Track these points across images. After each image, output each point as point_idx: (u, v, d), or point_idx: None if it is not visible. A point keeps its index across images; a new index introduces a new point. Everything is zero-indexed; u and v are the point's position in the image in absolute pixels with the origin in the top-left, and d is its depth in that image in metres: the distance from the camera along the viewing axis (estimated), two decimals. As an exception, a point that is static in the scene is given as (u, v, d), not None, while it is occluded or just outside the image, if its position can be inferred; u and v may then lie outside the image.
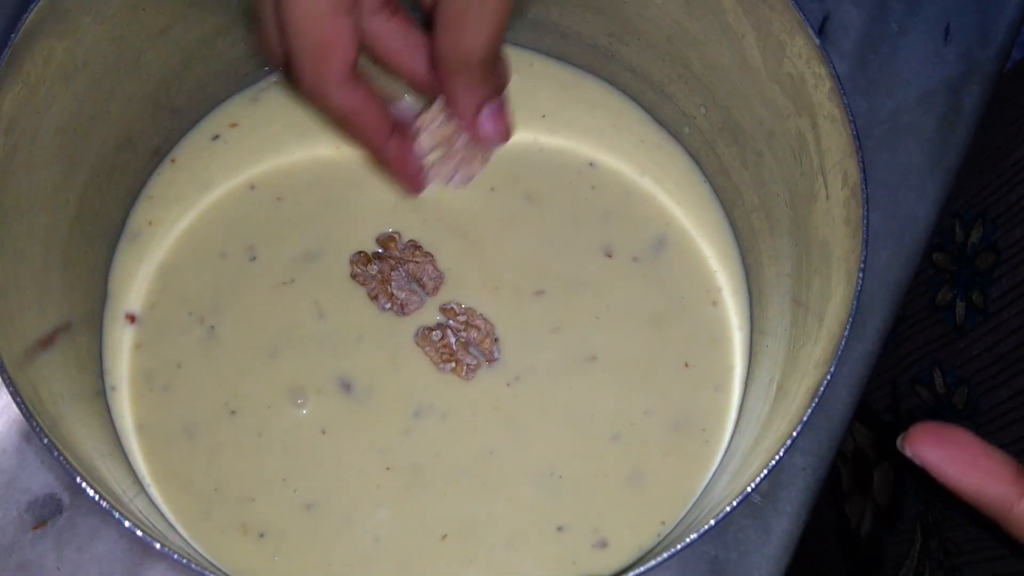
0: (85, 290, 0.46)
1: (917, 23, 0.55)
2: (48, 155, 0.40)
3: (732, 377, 0.48)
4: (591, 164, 0.52)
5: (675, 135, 0.52)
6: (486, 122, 0.40)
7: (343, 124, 0.39)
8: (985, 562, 0.52)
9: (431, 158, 0.44)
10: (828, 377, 0.33)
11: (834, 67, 0.38)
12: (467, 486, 0.45)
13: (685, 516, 0.45)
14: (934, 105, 0.54)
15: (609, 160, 0.52)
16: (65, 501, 0.47)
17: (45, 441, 0.32)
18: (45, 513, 0.47)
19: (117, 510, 0.32)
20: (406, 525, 0.44)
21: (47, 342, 0.41)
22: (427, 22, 0.39)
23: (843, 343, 0.33)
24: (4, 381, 0.34)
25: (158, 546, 0.32)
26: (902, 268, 0.51)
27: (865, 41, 0.55)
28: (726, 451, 0.46)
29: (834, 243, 0.38)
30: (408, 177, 0.43)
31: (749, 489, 0.32)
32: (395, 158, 0.42)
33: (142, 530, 0.33)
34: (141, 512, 0.41)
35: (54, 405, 0.39)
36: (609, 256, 0.50)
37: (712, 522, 0.32)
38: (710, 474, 0.46)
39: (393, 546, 0.44)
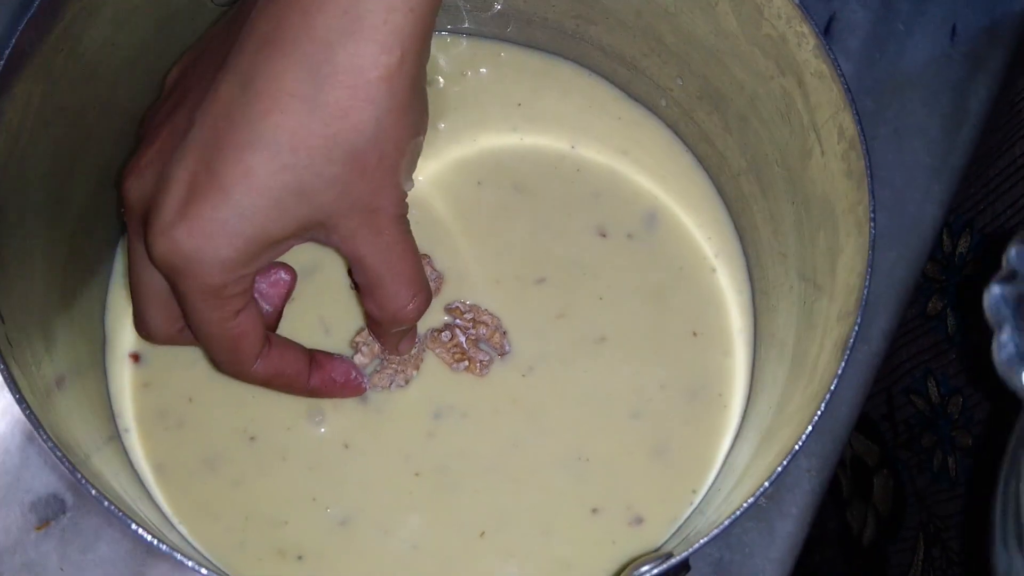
0: (86, 334, 0.45)
1: (923, 23, 0.56)
2: (36, 203, 0.39)
3: (740, 340, 0.48)
4: (573, 147, 0.52)
5: (652, 109, 0.52)
6: (403, 346, 0.45)
7: (265, 386, 0.41)
8: (987, 572, 0.53)
9: (369, 371, 0.46)
10: (856, 328, 0.34)
11: (815, 24, 0.39)
12: (497, 481, 0.45)
13: (715, 482, 0.46)
14: (940, 105, 0.55)
15: (590, 141, 0.52)
16: (68, 501, 0.47)
17: (81, 480, 0.31)
18: (48, 513, 0.46)
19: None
20: (442, 528, 0.44)
21: (55, 388, 0.40)
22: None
23: (866, 291, 0.34)
24: (28, 417, 0.33)
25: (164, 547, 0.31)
26: (908, 269, 0.52)
27: (871, 41, 0.55)
28: (744, 413, 0.47)
29: (836, 197, 0.39)
30: (341, 392, 0.45)
31: (796, 447, 0.32)
32: (322, 389, 0.43)
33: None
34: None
35: (81, 451, 0.38)
36: (603, 236, 0.50)
37: (766, 484, 0.33)
38: (731, 438, 0.47)
39: (432, 550, 0.44)
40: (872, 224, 0.35)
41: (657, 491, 0.46)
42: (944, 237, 0.57)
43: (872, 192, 0.36)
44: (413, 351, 0.46)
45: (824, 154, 0.40)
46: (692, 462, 0.46)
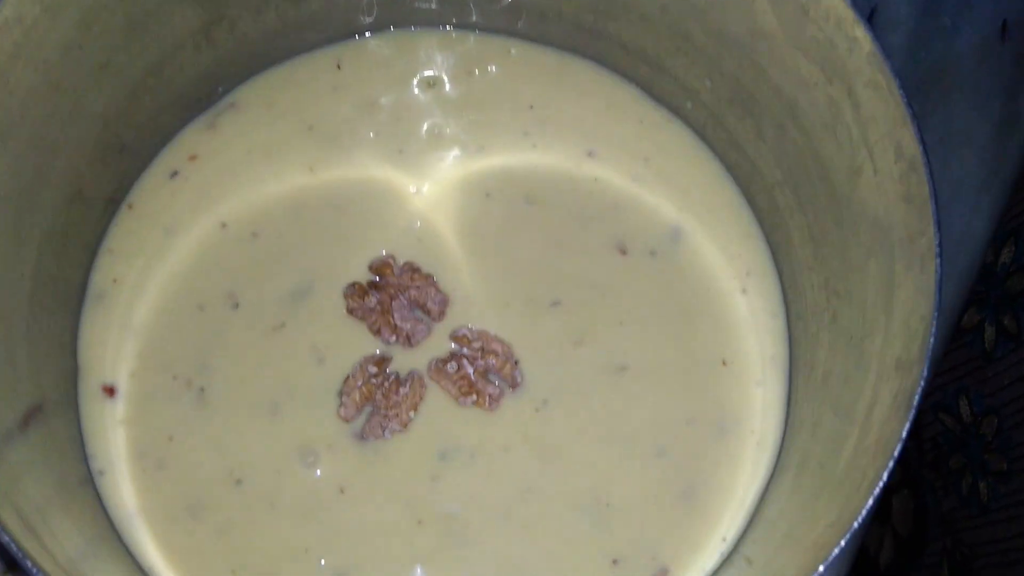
0: (54, 367, 0.41)
1: (972, 18, 0.50)
2: (-7, 229, 0.35)
3: (774, 369, 0.44)
4: (590, 154, 0.47)
5: (677, 112, 0.48)
6: None
7: None
8: None
9: (359, 421, 0.42)
10: (923, 382, 0.30)
11: (871, 29, 0.34)
12: (509, 530, 0.41)
13: (747, 529, 0.42)
14: (990, 109, 0.50)
15: (609, 147, 0.47)
16: None
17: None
18: (14, 560, 0.42)
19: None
20: (449, 581, 0.40)
21: (16, 432, 0.36)
22: None
23: (932, 341, 0.30)
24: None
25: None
26: (954, 289, 0.47)
27: (915, 37, 0.50)
28: (780, 452, 0.43)
29: (891, 223, 0.35)
30: None
31: (856, 524, 0.28)
32: None
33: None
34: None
35: (33, 506, 0.34)
36: (624, 253, 0.46)
37: (821, 568, 0.29)
38: (765, 478, 0.43)
39: (437, 606, 0.40)
40: (938, 260, 0.31)
41: (684, 539, 0.42)
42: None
43: (938, 223, 0.32)
44: (407, 391, 0.42)
45: (877, 173, 0.36)
46: (722, 506, 0.42)
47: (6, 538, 0.26)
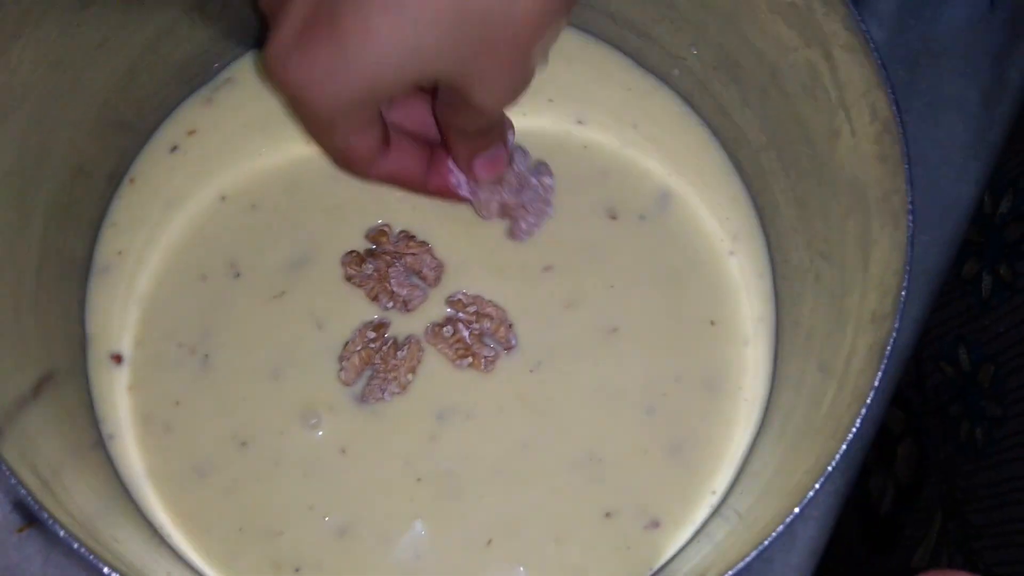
0: (63, 336, 0.42)
1: None
2: (1, 202, 0.36)
3: (761, 329, 0.45)
4: (579, 122, 0.48)
5: (664, 79, 0.49)
6: (479, 169, 0.41)
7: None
8: (1006, 547, 0.51)
9: (359, 385, 0.44)
10: (894, 333, 0.31)
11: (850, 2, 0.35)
12: (504, 485, 0.43)
13: (735, 482, 0.43)
14: (978, 76, 0.50)
15: (597, 115, 0.48)
16: None
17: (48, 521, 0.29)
18: (32, 514, 0.44)
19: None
20: (447, 536, 0.42)
21: (29, 398, 0.38)
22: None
23: (903, 295, 0.31)
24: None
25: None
26: (942, 253, 0.48)
27: (905, 5, 0.51)
28: (766, 407, 0.44)
29: (868, 182, 0.36)
30: (454, 197, 0.43)
31: (829, 468, 0.30)
32: (437, 193, 0.43)
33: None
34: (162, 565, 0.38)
35: (48, 467, 0.35)
36: (614, 218, 0.47)
37: (797, 510, 0.30)
38: (752, 434, 0.44)
39: (436, 560, 0.42)
40: (910, 217, 0.32)
41: (674, 492, 0.43)
42: (984, 196, 0.54)
43: (910, 181, 0.33)
44: (405, 355, 0.43)
45: (855, 134, 0.37)
46: (711, 461, 0.44)
47: (23, 491, 0.28)
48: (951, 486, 0.57)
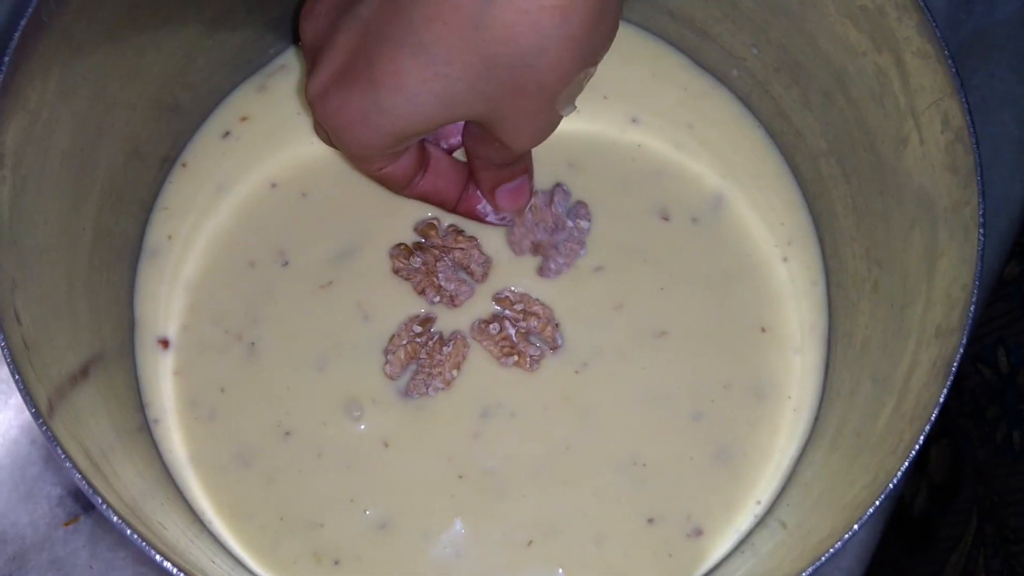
0: (112, 319, 0.42)
1: None
2: (58, 183, 0.36)
3: (813, 338, 0.44)
4: (633, 120, 0.48)
5: (722, 80, 0.48)
6: (501, 199, 0.42)
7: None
8: None
9: (404, 379, 0.44)
10: (961, 349, 0.30)
11: (922, -3, 0.34)
12: (547, 486, 0.42)
13: (781, 492, 0.42)
14: None
15: (652, 114, 0.48)
16: None
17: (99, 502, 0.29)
18: (77, 509, 0.44)
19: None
20: (487, 534, 0.42)
21: (79, 377, 0.38)
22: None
23: (972, 309, 0.30)
24: (41, 429, 0.30)
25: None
26: (993, 253, 0.47)
27: (956, 0, 0.50)
28: (815, 418, 0.43)
29: (936, 192, 0.35)
30: (482, 220, 0.44)
31: (891, 485, 0.29)
32: (466, 215, 0.43)
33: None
34: (205, 551, 0.38)
35: (98, 449, 0.35)
36: (666, 219, 0.46)
37: (855, 527, 0.29)
38: (801, 444, 0.43)
39: (476, 558, 0.41)
40: (981, 231, 0.31)
41: (718, 500, 0.42)
42: None
43: (983, 192, 0.32)
44: (450, 350, 0.43)
45: (923, 143, 0.36)
46: (757, 469, 0.43)
47: (78, 476, 0.28)
48: (987, 488, 0.56)
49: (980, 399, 0.57)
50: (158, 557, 0.28)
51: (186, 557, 0.31)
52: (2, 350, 0.29)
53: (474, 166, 0.41)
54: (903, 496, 0.64)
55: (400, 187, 0.40)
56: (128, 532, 0.27)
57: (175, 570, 0.28)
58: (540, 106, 0.33)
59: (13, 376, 0.29)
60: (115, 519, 0.27)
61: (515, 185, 0.42)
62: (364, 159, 0.37)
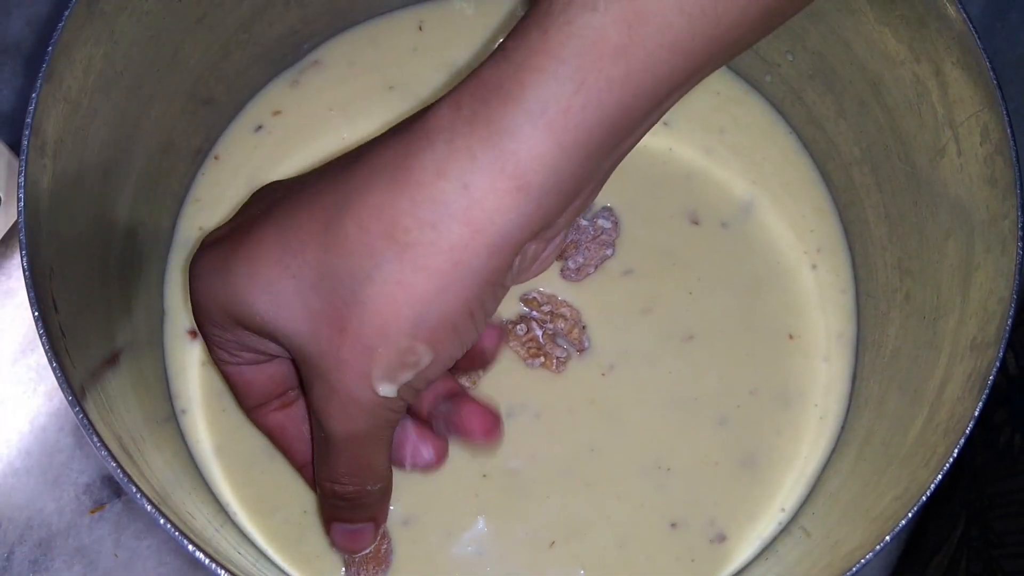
0: (143, 309, 0.42)
1: None
2: (95, 172, 0.37)
3: (841, 346, 0.44)
4: (665, 124, 0.47)
5: (755, 85, 0.48)
6: (335, 534, 0.37)
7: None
8: None
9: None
10: (998, 363, 0.30)
11: (964, 8, 0.34)
12: (570, 487, 0.42)
13: (807, 500, 0.42)
14: None
15: (684, 118, 0.47)
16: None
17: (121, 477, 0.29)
18: (103, 497, 0.45)
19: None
20: (510, 534, 0.42)
21: (111, 364, 0.38)
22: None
23: (1009, 323, 0.30)
24: (76, 415, 0.31)
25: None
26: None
27: (990, 10, 0.49)
28: (843, 427, 0.43)
29: (973, 205, 0.35)
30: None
31: (924, 498, 0.29)
32: (312, 483, 0.36)
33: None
34: (230, 542, 0.38)
35: (129, 436, 0.36)
36: (695, 223, 0.46)
37: (887, 538, 0.29)
38: (827, 453, 0.43)
39: (498, 557, 0.41)
40: (1021, 243, 0.31)
41: (742, 506, 0.42)
42: None
43: (1022, 206, 0.32)
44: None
45: (961, 154, 0.36)
46: (782, 476, 0.43)
47: (111, 462, 0.28)
48: (979, 492, 0.56)
49: (988, 405, 0.56)
50: (190, 547, 0.28)
51: (213, 547, 0.32)
52: (40, 336, 0.29)
53: (314, 468, 0.35)
54: None
55: (245, 402, 0.35)
56: (161, 520, 0.27)
57: (206, 560, 0.28)
58: (355, 356, 0.28)
59: (50, 362, 0.29)
60: (148, 507, 0.27)
61: (354, 529, 0.36)
62: (202, 328, 0.32)
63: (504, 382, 0.43)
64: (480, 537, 0.42)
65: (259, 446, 0.43)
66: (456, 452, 0.42)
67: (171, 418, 0.43)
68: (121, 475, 0.27)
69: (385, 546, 0.40)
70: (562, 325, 0.44)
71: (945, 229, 0.37)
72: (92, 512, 0.44)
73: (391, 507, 0.42)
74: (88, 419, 0.29)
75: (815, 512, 0.40)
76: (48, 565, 0.44)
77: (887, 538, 0.29)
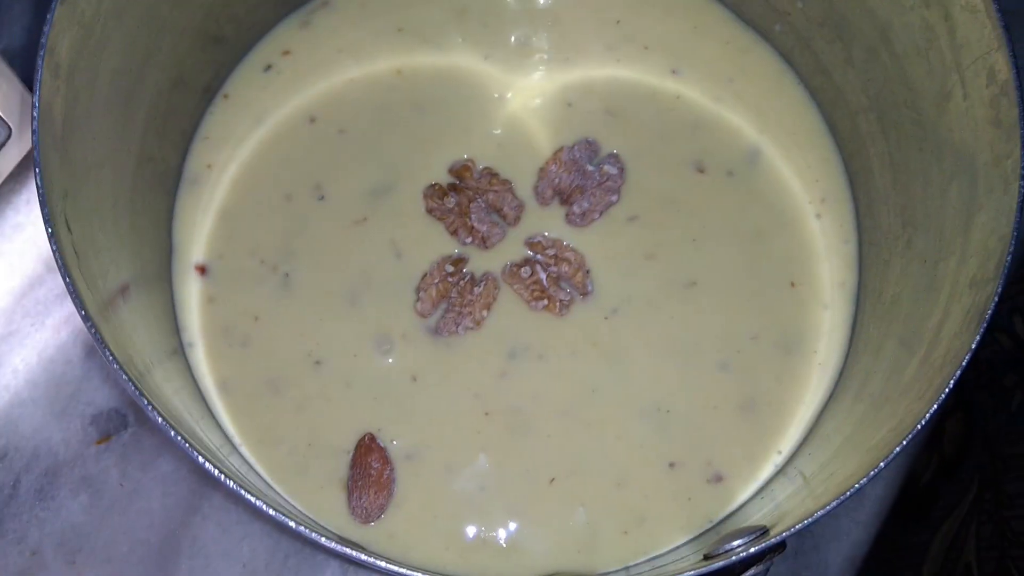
0: (152, 242, 0.43)
1: None
2: (107, 101, 0.37)
3: (842, 294, 0.45)
4: (674, 72, 0.48)
5: (764, 34, 0.48)
6: None
7: None
8: None
9: (434, 318, 0.43)
10: (996, 298, 0.30)
11: (975, -52, 0.34)
12: (571, 427, 0.43)
13: (803, 443, 0.43)
14: None
15: (693, 66, 0.48)
16: (130, 417, 0.45)
17: (141, 399, 0.29)
18: (110, 428, 0.45)
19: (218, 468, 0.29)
20: (511, 471, 0.42)
21: (121, 293, 0.38)
22: None
23: (1009, 258, 0.30)
24: (91, 332, 0.31)
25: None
26: None
27: None
28: (841, 372, 0.44)
29: (978, 147, 0.35)
30: None
31: (919, 425, 0.29)
32: None
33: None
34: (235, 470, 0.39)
35: (142, 363, 0.36)
36: (701, 171, 0.46)
37: (882, 464, 0.30)
38: (824, 398, 0.44)
39: (499, 493, 0.42)
40: (1022, 182, 0.31)
41: (740, 449, 0.43)
42: None
43: (1026, 145, 0.32)
44: (481, 291, 0.43)
45: (967, 98, 0.36)
46: (780, 420, 0.43)
47: (124, 377, 0.28)
48: (992, 455, 0.56)
49: (997, 368, 0.57)
50: (200, 458, 0.28)
51: (224, 465, 0.32)
52: (54, 253, 0.29)
53: None
54: (914, 470, 0.64)
55: None
56: (172, 434, 0.28)
57: (215, 471, 0.29)
58: None
59: (64, 279, 0.29)
60: (160, 420, 0.28)
61: None
62: None
63: (508, 323, 0.44)
64: (481, 472, 0.42)
65: (263, 382, 0.43)
66: (460, 390, 0.43)
67: (179, 351, 0.43)
68: (134, 390, 0.28)
69: (387, 472, 0.41)
70: (566, 269, 0.44)
71: (949, 174, 0.37)
72: (98, 443, 0.45)
73: (394, 441, 0.42)
74: (101, 336, 0.29)
75: (811, 453, 0.41)
76: (54, 494, 0.45)
77: (881, 464, 0.29)
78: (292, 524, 0.30)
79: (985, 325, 0.30)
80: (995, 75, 0.34)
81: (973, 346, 0.30)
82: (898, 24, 0.39)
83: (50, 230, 0.30)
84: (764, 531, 0.32)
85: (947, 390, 0.30)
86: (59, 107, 0.32)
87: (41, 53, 0.31)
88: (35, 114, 0.30)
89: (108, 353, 0.28)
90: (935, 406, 0.30)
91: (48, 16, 0.31)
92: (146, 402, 0.28)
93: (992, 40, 0.34)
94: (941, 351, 0.33)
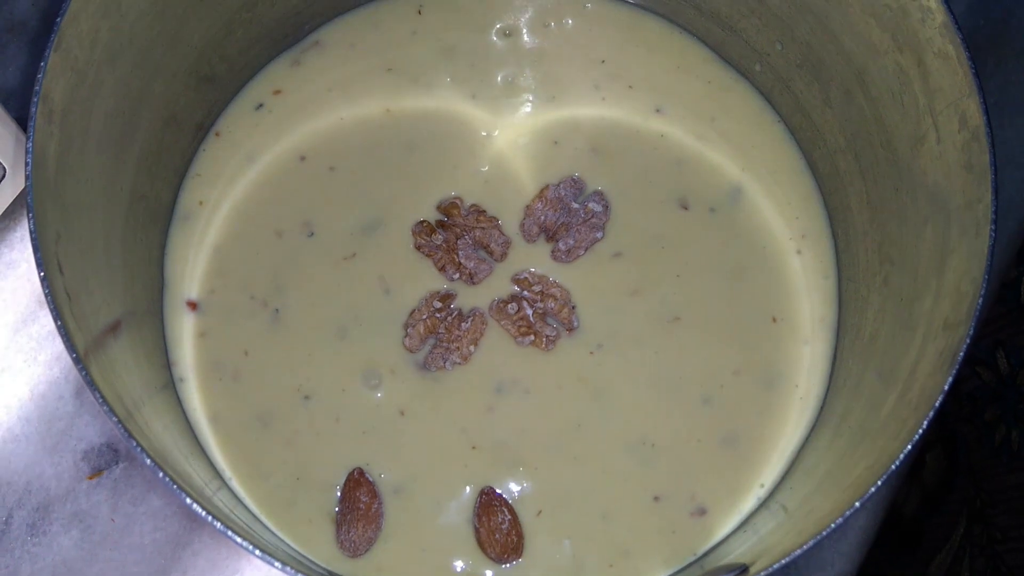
0: (144, 279, 0.43)
1: None
2: (100, 142, 0.38)
3: (823, 329, 0.46)
4: (657, 110, 0.49)
5: (745, 74, 0.49)
6: None
7: None
8: None
9: (422, 352, 0.44)
10: (968, 341, 0.31)
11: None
12: (557, 461, 0.43)
13: (784, 477, 0.43)
14: None
15: (676, 105, 0.49)
16: (121, 452, 0.46)
17: (125, 435, 0.30)
18: (101, 463, 0.46)
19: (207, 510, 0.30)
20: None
21: (112, 330, 0.39)
22: None
23: (980, 303, 0.31)
24: (81, 374, 0.32)
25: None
26: (1001, 256, 0.47)
27: (975, 4, 0.50)
28: (822, 407, 0.44)
29: (951, 190, 0.36)
30: None
31: (894, 466, 0.30)
32: None
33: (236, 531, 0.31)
34: (224, 504, 0.39)
35: (131, 400, 0.37)
36: (685, 208, 0.47)
37: (857, 504, 0.30)
38: (806, 432, 0.44)
39: (486, 527, 0.43)
40: (993, 227, 0.32)
41: (723, 482, 0.43)
42: None
43: (995, 190, 0.33)
44: (469, 327, 0.44)
45: (940, 142, 0.37)
46: (762, 454, 0.44)
47: (114, 418, 0.29)
48: (978, 488, 0.57)
49: (978, 402, 0.57)
50: (188, 500, 0.29)
51: (211, 504, 0.33)
52: (46, 297, 0.30)
53: None
54: (896, 501, 0.65)
55: None
56: (160, 475, 0.28)
57: (203, 512, 0.29)
58: None
59: (55, 322, 0.30)
60: (148, 460, 0.28)
61: None
62: None
63: (495, 358, 0.45)
64: (469, 506, 0.43)
65: (253, 416, 0.44)
66: (447, 424, 0.44)
67: (169, 385, 0.44)
68: (122, 430, 0.28)
69: (376, 506, 0.41)
70: (552, 305, 0.45)
71: (924, 215, 0.38)
72: (90, 478, 0.45)
73: (382, 475, 0.43)
74: (91, 377, 0.30)
75: (793, 487, 0.42)
76: (46, 529, 0.45)
77: (856, 503, 0.30)
78: (277, 564, 0.30)
79: (956, 369, 0.31)
80: (967, 120, 0.35)
81: (946, 387, 0.31)
82: (873, 68, 0.40)
83: (43, 273, 0.30)
84: (744, 569, 0.33)
85: (920, 431, 0.31)
86: (53, 151, 0.33)
87: (35, 99, 0.32)
88: (29, 159, 0.31)
89: (98, 395, 0.29)
90: (909, 446, 0.30)
91: (42, 64, 0.32)
92: (135, 443, 0.28)
93: (964, 86, 0.35)
94: (917, 389, 0.34)
